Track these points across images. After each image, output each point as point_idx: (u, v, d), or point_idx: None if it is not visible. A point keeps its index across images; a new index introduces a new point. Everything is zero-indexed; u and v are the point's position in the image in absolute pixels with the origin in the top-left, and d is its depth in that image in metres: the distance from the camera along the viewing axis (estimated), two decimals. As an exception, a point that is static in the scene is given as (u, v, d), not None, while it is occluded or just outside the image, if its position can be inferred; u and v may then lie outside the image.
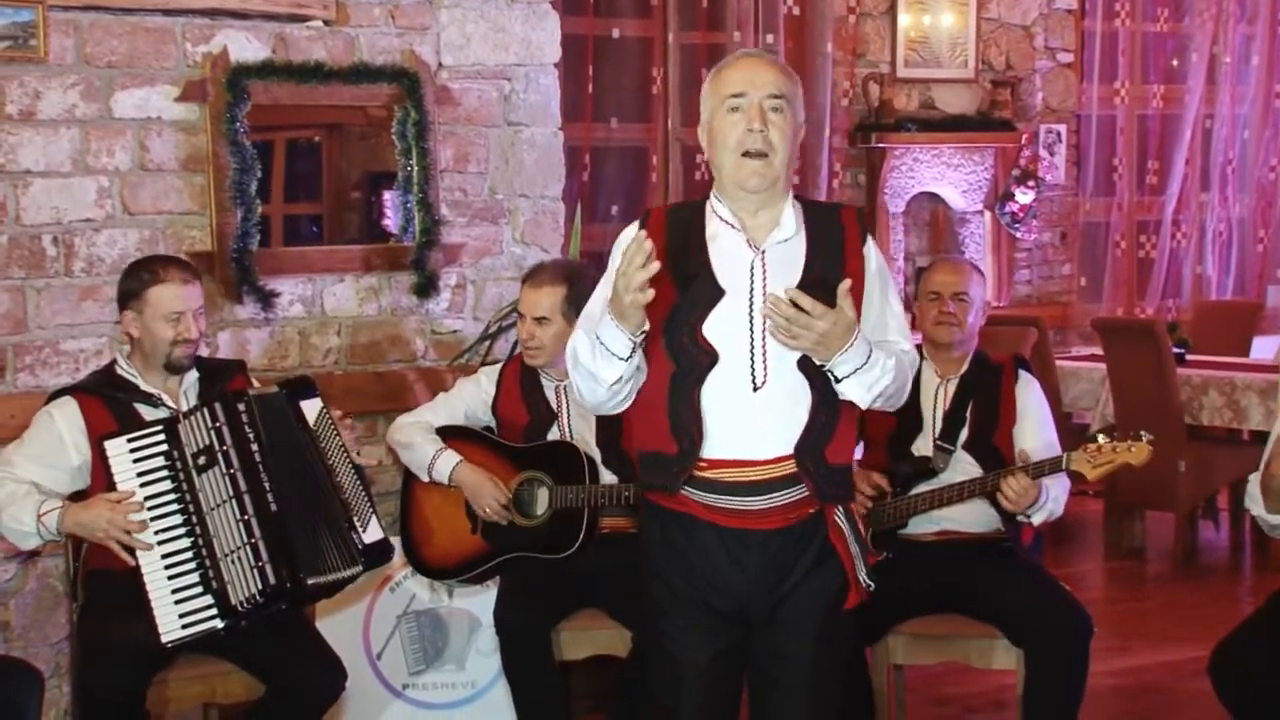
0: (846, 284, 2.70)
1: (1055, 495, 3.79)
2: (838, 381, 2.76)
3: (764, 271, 2.80)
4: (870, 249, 2.88)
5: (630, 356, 2.71)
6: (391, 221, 4.85)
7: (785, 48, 7.54)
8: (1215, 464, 6.41)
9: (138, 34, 4.38)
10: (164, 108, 4.43)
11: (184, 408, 3.69)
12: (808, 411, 2.78)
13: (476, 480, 4.02)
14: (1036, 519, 3.81)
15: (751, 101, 2.78)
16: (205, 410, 3.56)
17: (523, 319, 4.06)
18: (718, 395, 2.77)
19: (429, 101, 4.72)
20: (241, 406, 3.57)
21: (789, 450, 2.78)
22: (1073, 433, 6.52)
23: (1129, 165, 8.61)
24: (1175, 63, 8.75)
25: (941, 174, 7.97)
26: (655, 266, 2.59)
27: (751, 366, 2.77)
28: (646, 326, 2.70)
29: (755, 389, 2.76)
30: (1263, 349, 7.69)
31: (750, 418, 2.77)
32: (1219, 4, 8.58)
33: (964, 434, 3.97)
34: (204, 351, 4.33)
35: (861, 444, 4.16)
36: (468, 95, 4.87)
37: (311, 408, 3.67)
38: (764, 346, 2.76)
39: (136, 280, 3.74)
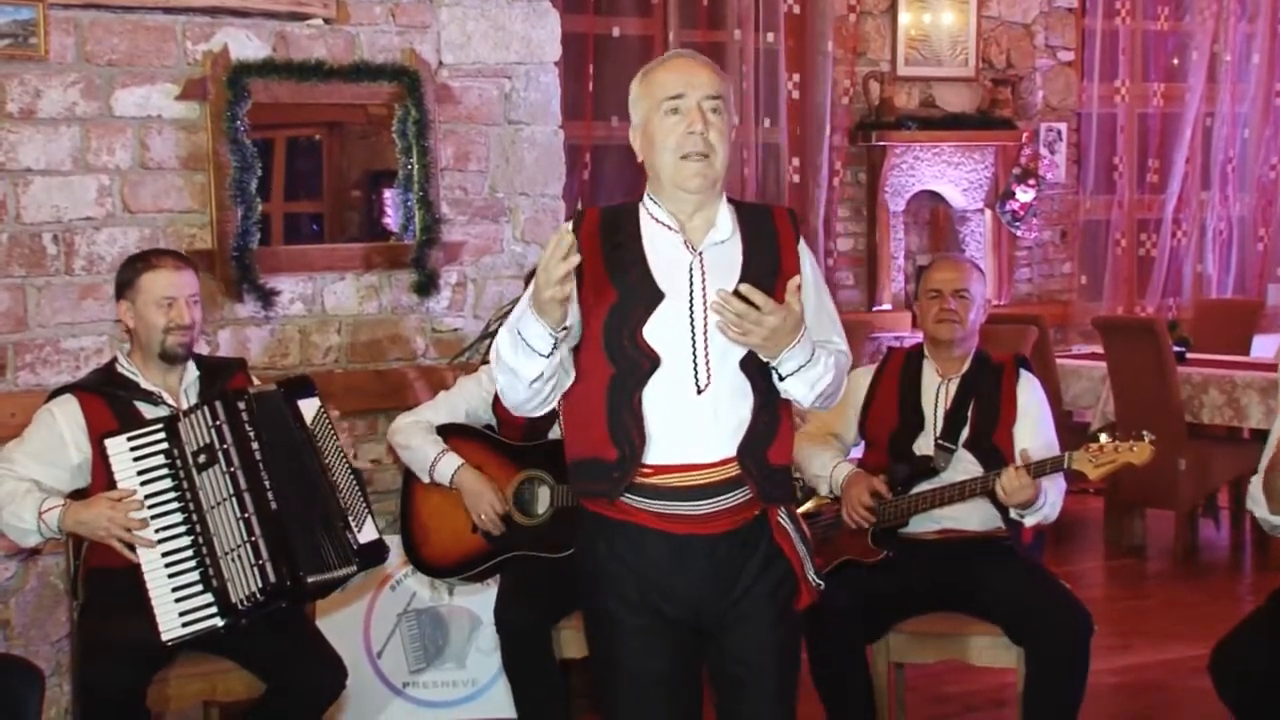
0: (797, 280, 2.69)
1: (1052, 500, 3.79)
2: (781, 379, 2.74)
3: (703, 273, 2.76)
4: (804, 249, 2.86)
5: (550, 354, 2.65)
6: (392, 220, 4.85)
7: (785, 46, 7.54)
8: (1215, 462, 6.41)
9: (138, 32, 4.39)
10: (164, 106, 4.43)
11: (184, 406, 3.69)
12: (750, 412, 2.75)
13: (477, 487, 4.02)
14: (1029, 520, 3.81)
15: (690, 103, 2.74)
16: (206, 408, 3.56)
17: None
18: (660, 399, 2.73)
19: (429, 100, 4.72)
20: (242, 405, 3.57)
21: (732, 452, 2.75)
22: (1073, 431, 6.52)
23: (1129, 164, 8.61)
24: (1176, 61, 8.74)
25: (942, 172, 7.96)
26: (575, 260, 2.53)
27: (694, 369, 2.73)
28: (568, 323, 2.65)
29: (699, 391, 2.72)
30: (1263, 347, 7.69)
31: (694, 421, 2.73)
32: (1219, 2, 8.58)
33: (965, 433, 3.97)
34: (204, 350, 4.34)
35: (863, 443, 4.17)
36: (468, 94, 4.88)
37: (309, 407, 3.67)
38: (706, 348, 2.73)
39: (130, 270, 3.76)
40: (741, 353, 2.73)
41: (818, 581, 2.88)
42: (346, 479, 3.64)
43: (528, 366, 2.66)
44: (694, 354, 2.73)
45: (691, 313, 2.74)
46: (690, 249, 2.77)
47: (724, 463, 2.75)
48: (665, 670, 2.81)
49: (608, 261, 2.75)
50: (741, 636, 2.81)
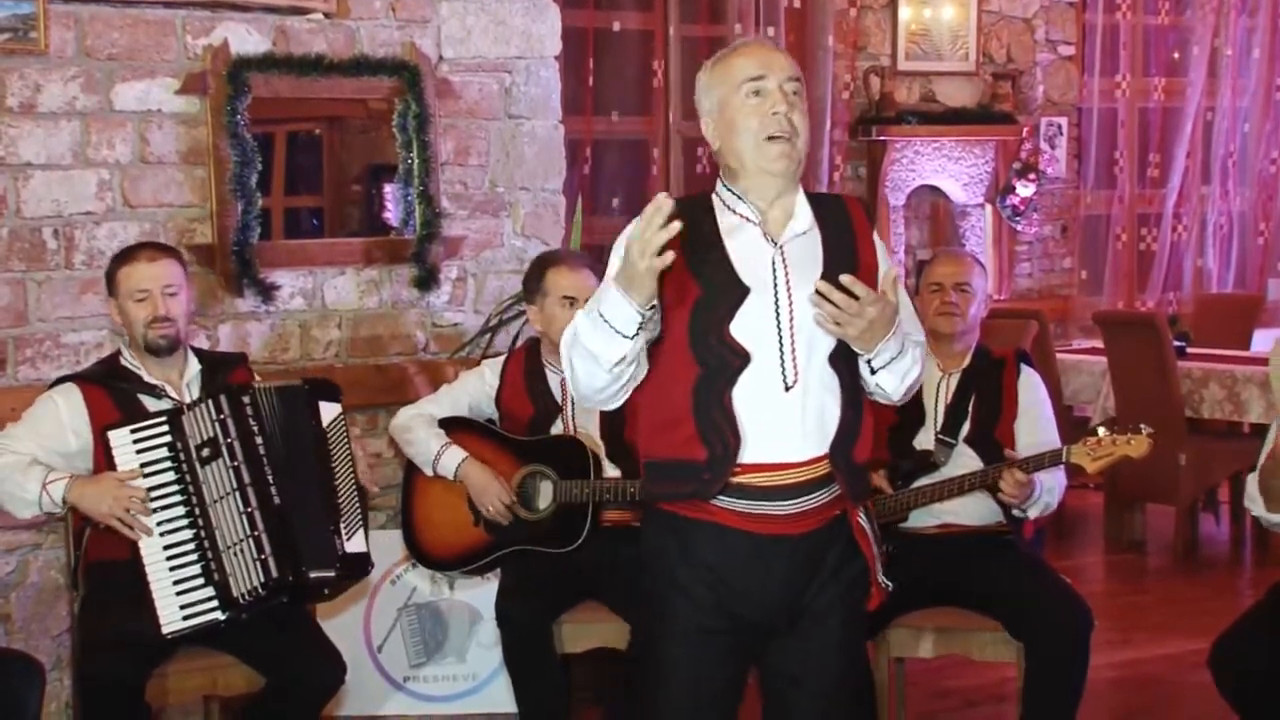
0: (895, 271, 2.68)
1: (1049, 487, 3.79)
2: (873, 373, 2.70)
3: (785, 266, 2.69)
4: (878, 240, 2.82)
5: (636, 335, 2.55)
6: (392, 214, 4.85)
7: (786, 40, 7.53)
8: (1216, 457, 6.42)
9: (138, 26, 4.38)
10: (164, 100, 4.43)
11: (187, 400, 3.69)
12: (839, 409, 2.70)
13: (483, 479, 4.02)
14: (1032, 513, 3.81)
15: (772, 85, 2.68)
16: (210, 402, 3.56)
17: (571, 303, 3.95)
18: (749, 397, 2.66)
19: (429, 94, 4.72)
20: (246, 399, 3.57)
21: (821, 450, 2.69)
22: (1074, 426, 6.52)
23: (1130, 158, 8.61)
24: (1176, 56, 8.74)
25: (942, 167, 7.96)
26: (676, 227, 2.44)
27: (782, 366, 2.66)
28: (655, 302, 2.55)
29: (787, 389, 2.66)
30: (1263, 342, 7.67)
31: (783, 419, 2.67)
32: (1220, -3, 8.59)
33: (966, 428, 3.97)
34: (205, 344, 4.34)
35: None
36: (468, 88, 4.87)
37: (329, 410, 3.69)
38: (793, 344, 2.67)
39: (111, 267, 3.78)
40: (828, 348, 2.68)
41: (886, 582, 2.84)
42: (348, 487, 3.65)
43: (610, 349, 2.56)
44: (781, 350, 2.67)
45: (777, 308, 2.68)
46: (770, 241, 2.71)
47: (814, 461, 2.69)
48: (723, 677, 2.76)
49: (688, 256, 2.64)
50: (807, 635, 2.75)
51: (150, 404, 3.68)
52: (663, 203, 2.45)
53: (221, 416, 3.54)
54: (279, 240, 4.72)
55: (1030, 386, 4.01)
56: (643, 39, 7.34)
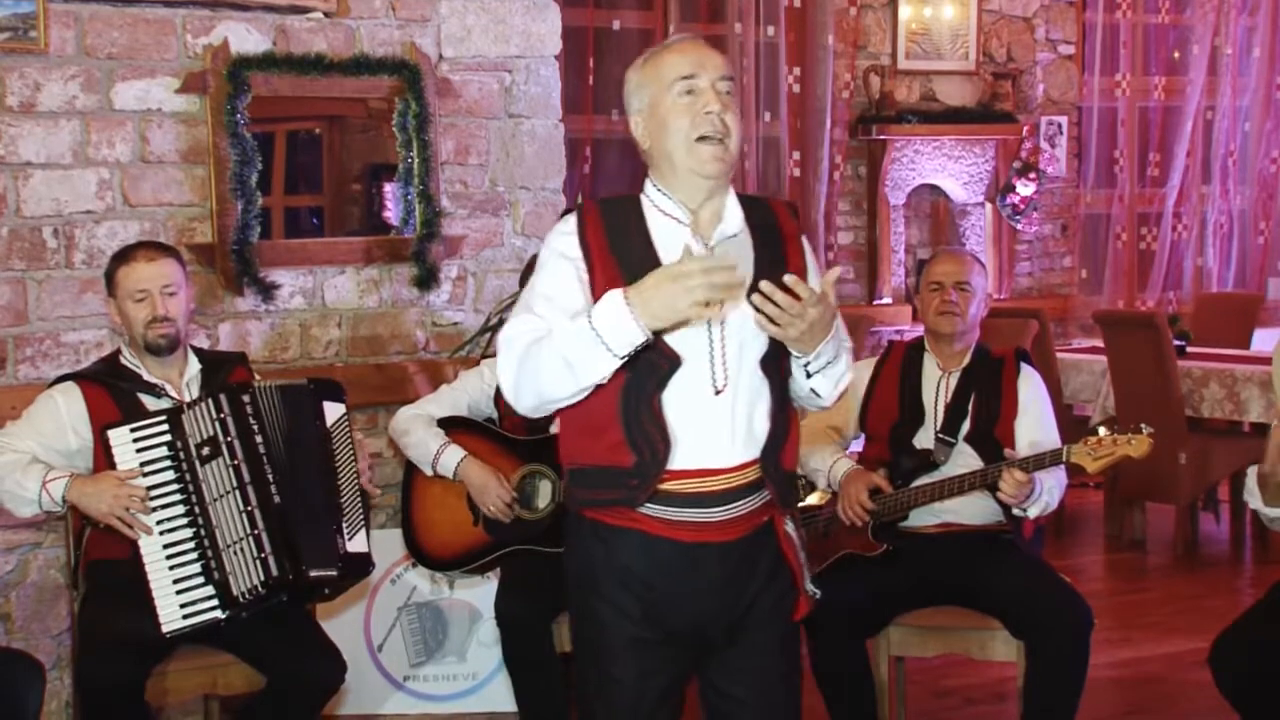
0: (836, 271, 2.60)
1: (1049, 487, 3.78)
2: (809, 376, 2.66)
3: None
4: (805, 243, 2.76)
5: (625, 356, 2.48)
6: (392, 213, 4.85)
7: (786, 40, 7.54)
8: (1216, 456, 6.41)
9: (138, 25, 4.38)
10: (164, 99, 4.43)
11: (187, 399, 3.69)
12: (769, 414, 2.66)
13: (482, 478, 4.02)
14: (1032, 512, 3.80)
15: (704, 83, 2.62)
16: (209, 401, 3.56)
17: None
18: (679, 401, 2.60)
19: (430, 93, 4.72)
20: (246, 398, 3.57)
21: (751, 456, 2.65)
22: (1074, 425, 6.51)
23: (1130, 157, 8.60)
24: (1176, 55, 8.74)
25: (942, 166, 7.96)
26: (743, 277, 2.43)
27: (712, 369, 2.61)
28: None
29: (717, 393, 2.61)
30: (1263, 341, 7.68)
31: (713, 423, 2.62)
32: (1220, -4, 8.58)
33: (966, 427, 3.96)
34: (205, 344, 4.34)
35: (862, 437, 4.17)
36: (468, 87, 4.87)
37: (333, 410, 3.69)
38: (723, 347, 2.62)
39: (110, 267, 3.78)
40: (759, 352, 2.64)
41: (814, 591, 2.78)
42: (351, 487, 3.65)
43: (595, 365, 2.48)
44: (711, 353, 2.62)
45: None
46: (701, 243, 2.65)
47: (744, 466, 2.65)
48: (660, 688, 2.69)
49: (617, 257, 2.60)
50: (746, 651, 2.71)
51: (150, 403, 3.68)
52: (736, 271, 2.42)
53: (221, 415, 3.54)
54: (279, 239, 4.72)
55: (1030, 385, 4.01)
56: (643, 38, 7.33)
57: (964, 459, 3.93)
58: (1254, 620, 3.69)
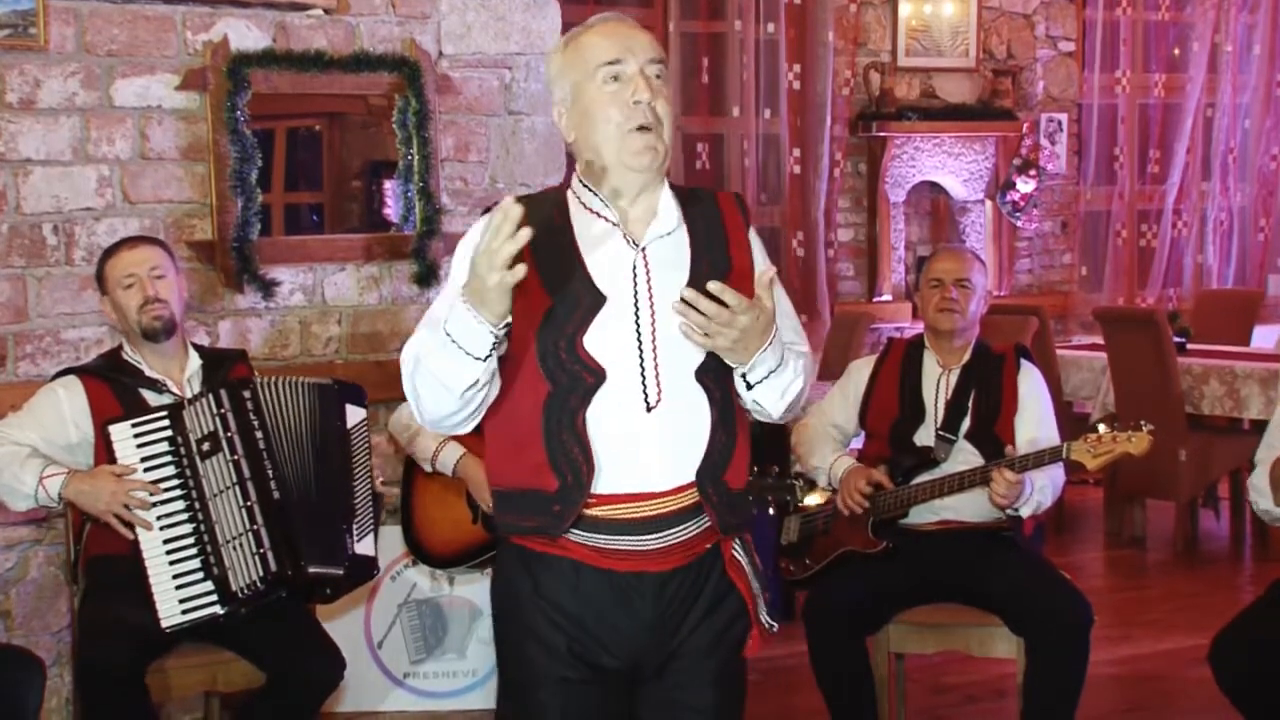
0: (771, 272, 2.35)
1: (1041, 485, 3.77)
2: (749, 388, 2.40)
3: (647, 271, 2.40)
4: (754, 239, 2.51)
5: (489, 356, 2.27)
6: (392, 210, 4.85)
7: (787, 36, 7.54)
8: (1216, 453, 6.42)
9: (138, 22, 4.38)
10: (164, 96, 4.43)
11: (188, 395, 3.69)
12: (707, 431, 2.39)
13: (481, 474, 4.02)
14: (1025, 511, 3.81)
15: (631, 69, 2.38)
16: (210, 397, 3.56)
17: None
18: (606, 419, 2.35)
19: (429, 90, 4.72)
20: (247, 394, 3.58)
21: (687, 479, 2.38)
22: (1074, 422, 6.52)
23: (1130, 154, 8.61)
24: (1177, 52, 8.74)
25: (942, 163, 7.96)
26: (526, 235, 2.16)
27: (643, 383, 2.36)
28: (509, 319, 2.27)
29: (648, 409, 2.36)
30: (1263, 338, 7.70)
31: (644, 443, 2.36)
32: (1220, -7, 8.59)
33: (966, 424, 3.97)
34: (205, 341, 4.34)
35: (863, 435, 4.17)
36: (468, 84, 4.87)
37: (354, 414, 3.70)
38: (655, 359, 2.37)
39: (97, 267, 3.82)
40: (695, 363, 2.39)
41: (770, 623, 2.52)
42: (365, 491, 3.65)
43: (460, 373, 2.28)
44: (641, 366, 2.37)
45: (637, 318, 2.38)
46: (632, 244, 2.41)
47: (679, 490, 2.39)
48: None
49: (539, 262, 2.34)
50: (680, 681, 2.46)
51: (151, 398, 3.69)
52: (510, 209, 2.17)
53: (222, 411, 3.54)
54: (279, 236, 4.72)
55: (1030, 382, 4.01)
56: (643, 35, 7.33)
57: (964, 456, 3.93)
58: (1254, 618, 3.69)
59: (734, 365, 2.38)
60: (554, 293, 2.36)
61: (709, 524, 2.43)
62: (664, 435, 2.38)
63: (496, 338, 2.27)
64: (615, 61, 2.40)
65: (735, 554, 2.49)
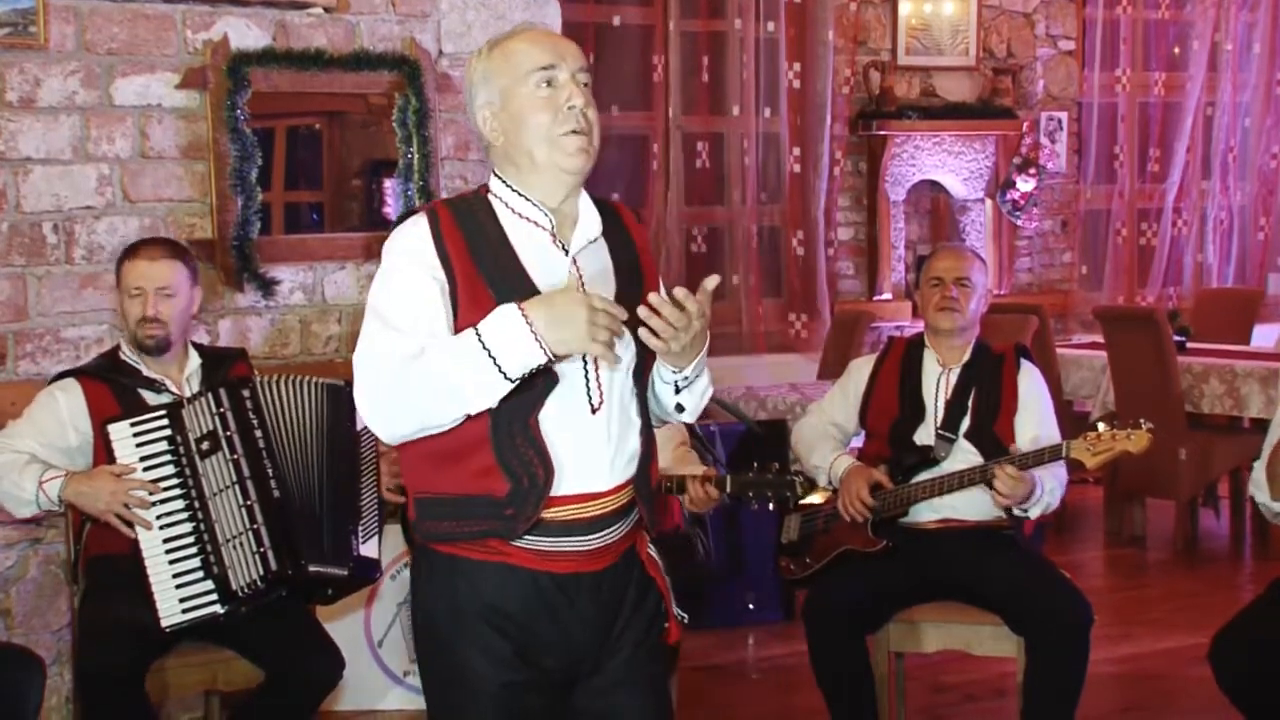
0: (714, 279, 2.40)
1: (1050, 488, 3.78)
2: (678, 392, 2.49)
3: (580, 277, 2.44)
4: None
5: (518, 379, 2.29)
6: (392, 209, 4.85)
7: (786, 35, 7.54)
8: (1216, 452, 6.41)
9: (138, 21, 4.38)
10: (164, 95, 4.43)
11: (187, 394, 3.69)
12: (638, 432, 2.48)
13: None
14: (1033, 513, 3.81)
15: (564, 75, 2.42)
16: (209, 396, 3.56)
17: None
18: (557, 421, 2.38)
19: (430, 89, 4.72)
20: (246, 393, 3.57)
21: (626, 477, 2.45)
22: (1074, 421, 6.52)
23: (1130, 153, 8.61)
24: (1177, 50, 8.74)
25: (942, 162, 7.96)
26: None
27: (587, 385, 2.41)
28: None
29: (593, 410, 2.41)
30: (1263, 337, 7.70)
31: (591, 445, 2.41)
32: (1221, -9, 8.59)
33: (966, 423, 3.96)
34: (205, 340, 4.34)
35: (863, 434, 4.17)
36: (468, 83, 4.86)
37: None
38: (595, 361, 2.40)
39: (120, 258, 3.80)
40: (626, 365, 2.45)
41: (682, 615, 2.62)
42: (371, 494, 3.64)
43: (485, 393, 2.29)
44: (585, 369, 2.41)
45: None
46: (561, 248, 2.45)
47: (618, 489, 2.44)
48: None
49: (479, 264, 2.39)
50: (617, 677, 2.50)
51: (150, 398, 3.68)
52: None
53: (221, 410, 3.54)
54: (279, 235, 4.72)
55: (1030, 381, 4.01)
56: (643, 33, 7.33)
57: (964, 455, 3.93)
58: (1254, 617, 3.69)
59: (674, 368, 2.46)
60: (499, 297, 2.37)
61: (636, 521, 2.51)
62: (609, 436, 2.44)
63: (550, 363, 2.29)
64: (549, 67, 2.43)
65: (650, 551, 2.58)
